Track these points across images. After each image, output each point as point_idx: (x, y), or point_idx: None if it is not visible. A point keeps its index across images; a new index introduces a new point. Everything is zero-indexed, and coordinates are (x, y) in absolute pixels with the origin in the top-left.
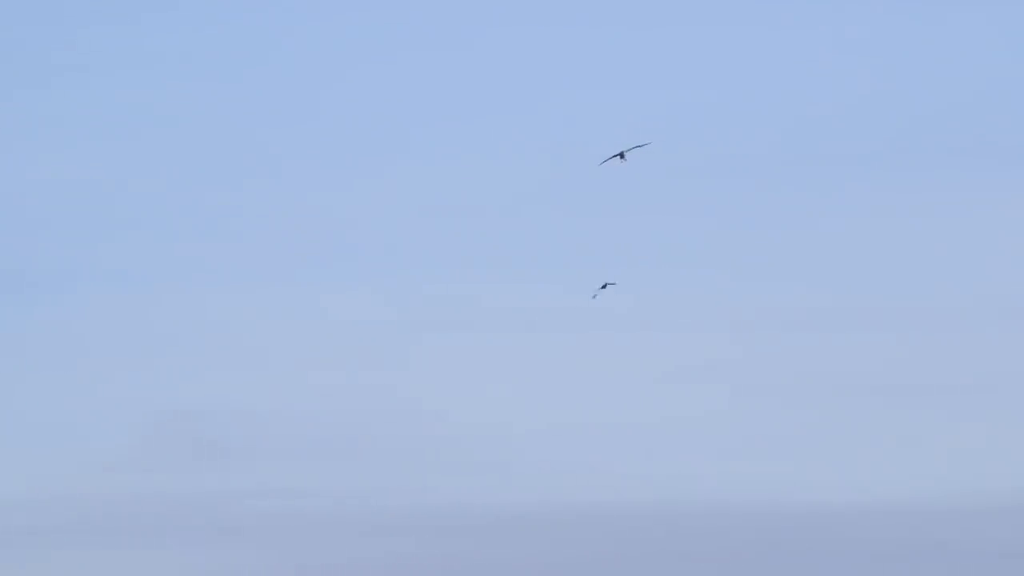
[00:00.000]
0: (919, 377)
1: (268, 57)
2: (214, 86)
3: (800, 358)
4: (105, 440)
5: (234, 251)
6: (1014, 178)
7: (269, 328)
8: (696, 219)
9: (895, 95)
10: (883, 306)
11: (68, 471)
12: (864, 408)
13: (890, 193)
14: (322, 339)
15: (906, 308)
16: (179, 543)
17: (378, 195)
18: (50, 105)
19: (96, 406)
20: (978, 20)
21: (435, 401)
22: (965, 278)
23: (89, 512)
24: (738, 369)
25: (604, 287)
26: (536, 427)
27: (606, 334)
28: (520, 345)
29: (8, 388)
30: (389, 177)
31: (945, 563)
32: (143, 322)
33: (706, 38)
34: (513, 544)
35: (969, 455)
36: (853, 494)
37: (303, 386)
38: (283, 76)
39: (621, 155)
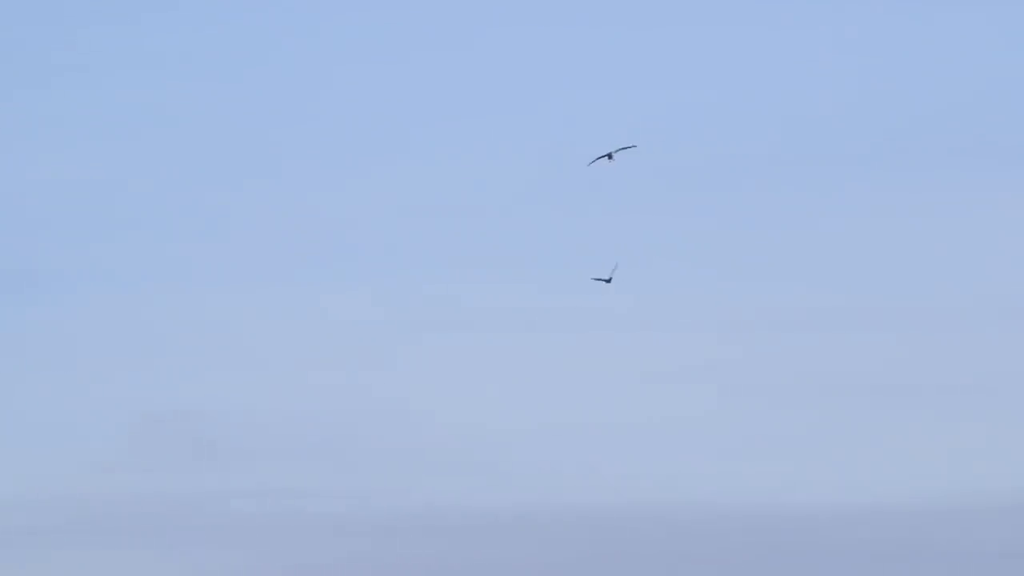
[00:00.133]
0: (918, 377)
1: (267, 57)
2: (214, 86)
3: (799, 358)
4: (103, 440)
5: (233, 251)
6: (1014, 178)
7: (267, 328)
8: (695, 219)
9: (894, 95)
10: (883, 306)
11: (66, 471)
12: (863, 408)
13: (890, 193)
14: (320, 339)
15: (906, 308)
16: (177, 543)
17: (377, 196)
18: (50, 105)
19: (95, 406)
20: (977, 20)
21: (434, 401)
22: (965, 278)
23: (87, 512)
24: (736, 369)
25: (614, 270)
26: (534, 427)
27: (605, 334)
28: (519, 345)
29: (7, 388)
30: (388, 178)
31: (945, 563)
32: (141, 321)
33: (705, 38)
34: (509, 545)
35: (969, 455)
36: (852, 495)
37: (301, 386)
38: (281, 76)
39: (609, 156)
